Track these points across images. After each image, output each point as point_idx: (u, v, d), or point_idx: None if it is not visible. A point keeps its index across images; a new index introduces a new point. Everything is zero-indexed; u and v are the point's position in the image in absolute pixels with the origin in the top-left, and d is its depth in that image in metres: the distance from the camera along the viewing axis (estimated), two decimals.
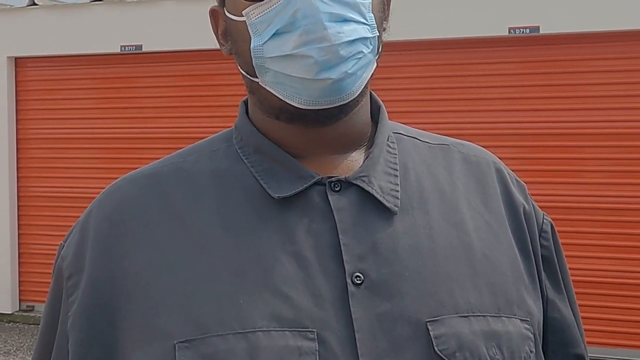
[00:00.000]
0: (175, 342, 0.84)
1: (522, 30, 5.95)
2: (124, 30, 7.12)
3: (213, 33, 1.00)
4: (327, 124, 0.92)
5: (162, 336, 0.85)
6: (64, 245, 0.97)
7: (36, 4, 7.37)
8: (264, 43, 0.88)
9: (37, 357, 0.98)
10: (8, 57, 7.54)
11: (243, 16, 0.90)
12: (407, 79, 6.27)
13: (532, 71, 6.10)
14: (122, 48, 7.15)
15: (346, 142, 0.96)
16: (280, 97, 0.89)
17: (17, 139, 7.65)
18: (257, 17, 0.88)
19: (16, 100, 7.65)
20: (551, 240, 1.04)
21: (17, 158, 7.66)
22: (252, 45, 0.89)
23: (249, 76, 0.93)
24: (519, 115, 6.10)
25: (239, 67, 0.95)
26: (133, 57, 7.25)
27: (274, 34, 0.87)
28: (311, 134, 0.93)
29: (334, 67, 0.87)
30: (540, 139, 6.06)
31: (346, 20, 0.87)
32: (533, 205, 1.05)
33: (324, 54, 0.86)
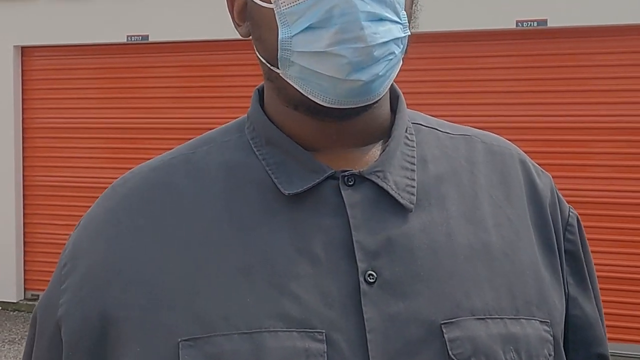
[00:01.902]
0: (179, 340, 0.81)
1: (530, 23, 5.93)
2: (131, 20, 7.11)
3: (228, 11, 0.95)
4: (347, 120, 0.88)
5: (164, 332, 0.82)
6: (70, 238, 0.95)
7: None
8: (293, 36, 0.83)
9: (31, 349, 0.96)
10: (14, 46, 7.55)
11: (271, 3, 0.85)
12: (413, 72, 6.25)
13: (539, 64, 6.08)
14: (129, 38, 7.15)
15: (364, 136, 0.91)
16: (302, 92, 0.85)
17: (22, 129, 7.66)
18: (287, 6, 0.83)
19: (22, 90, 7.65)
20: (577, 234, 1.00)
21: (23, 147, 7.67)
22: (280, 37, 0.84)
23: (268, 65, 0.89)
24: (525, 108, 6.08)
25: (257, 53, 0.91)
26: (139, 47, 7.24)
27: (305, 28, 0.83)
28: (329, 127, 0.89)
29: (366, 68, 0.83)
30: (547, 132, 6.05)
31: (382, 19, 0.83)
32: (559, 198, 1.00)
33: (357, 55, 0.82)
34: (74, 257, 0.91)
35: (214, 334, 0.81)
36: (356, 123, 0.90)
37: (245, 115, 0.97)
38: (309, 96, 0.85)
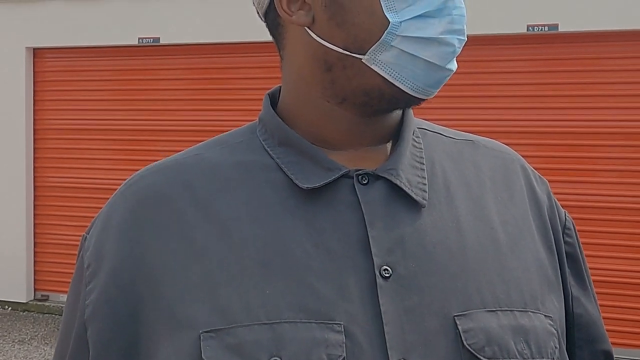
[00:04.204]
0: (201, 331, 0.83)
1: (541, 27, 5.92)
2: (142, 22, 7.14)
3: (267, 2, 0.95)
4: (380, 117, 0.94)
5: (187, 326, 0.84)
6: (86, 237, 0.95)
7: None
8: (402, 21, 0.87)
9: (58, 349, 0.97)
10: (26, 47, 7.58)
11: None
12: None
13: (550, 69, 6.07)
14: (140, 40, 7.17)
15: (378, 135, 0.95)
16: (388, 78, 0.89)
17: (34, 130, 7.69)
18: None
19: (34, 91, 7.69)
20: (574, 237, 1.04)
21: (34, 148, 7.71)
22: (392, 21, 0.87)
23: (346, 51, 0.89)
24: (537, 113, 6.07)
25: (330, 42, 0.90)
26: (151, 49, 7.27)
27: (418, 16, 0.88)
28: (361, 124, 0.94)
29: (454, 60, 0.91)
30: (558, 137, 6.03)
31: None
32: (555, 203, 1.04)
33: (459, 46, 0.90)
34: (98, 257, 0.91)
35: (235, 325, 0.83)
36: (383, 120, 0.95)
37: (256, 120, 0.99)
38: (395, 82, 0.89)
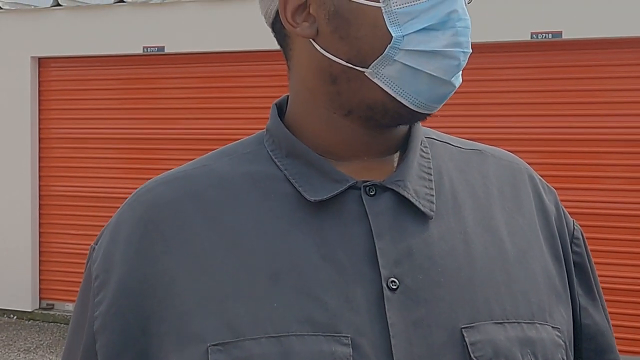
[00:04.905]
0: (208, 344, 0.82)
1: (544, 35, 5.92)
2: (147, 31, 7.15)
3: (274, 13, 0.95)
4: (387, 130, 0.93)
5: (195, 339, 0.83)
6: (94, 248, 0.95)
7: (60, 5, 7.42)
8: (405, 35, 0.86)
9: (66, 359, 0.96)
10: (32, 57, 7.61)
11: (378, 2, 0.86)
12: None
13: (554, 76, 6.07)
14: (145, 49, 7.19)
15: (385, 147, 0.94)
16: (391, 92, 0.88)
17: (39, 139, 7.71)
18: (399, 6, 0.86)
19: (39, 100, 7.71)
20: (583, 246, 1.03)
21: (39, 157, 7.72)
22: (394, 35, 0.86)
23: (350, 64, 0.89)
24: (541, 120, 6.07)
25: (330, 54, 0.90)
26: (155, 58, 7.28)
27: (422, 29, 0.86)
28: (367, 136, 0.93)
29: (459, 75, 0.89)
30: (562, 144, 6.03)
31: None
32: (564, 212, 1.03)
33: (463, 59, 0.88)
34: (105, 269, 0.91)
35: (243, 338, 0.82)
36: (386, 134, 0.93)
37: (263, 130, 0.98)
38: (397, 97, 0.88)
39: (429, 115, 0.91)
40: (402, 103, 0.88)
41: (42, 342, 6.91)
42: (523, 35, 5.98)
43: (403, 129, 0.96)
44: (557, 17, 5.88)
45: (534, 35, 5.95)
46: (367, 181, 0.90)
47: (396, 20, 0.86)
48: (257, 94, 6.80)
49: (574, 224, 1.04)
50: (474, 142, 1.05)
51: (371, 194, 0.90)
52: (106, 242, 0.93)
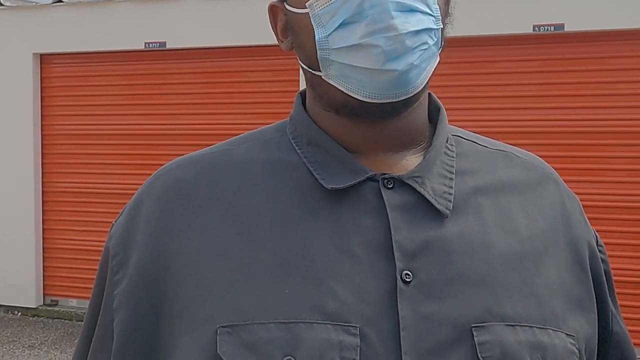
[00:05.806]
0: (217, 326, 0.84)
1: (547, 27, 5.91)
2: (148, 27, 7.15)
3: (272, 30, 0.99)
4: (387, 119, 0.92)
5: (206, 321, 0.85)
6: (114, 225, 0.97)
7: (61, 1, 7.43)
8: (328, 35, 0.87)
9: (85, 333, 0.98)
10: (34, 53, 7.61)
11: (306, 8, 0.89)
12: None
13: (556, 69, 6.06)
14: (146, 45, 7.19)
15: (402, 141, 0.95)
16: (344, 90, 0.89)
17: (42, 135, 7.72)
18: (321, 8, 0.87)
19: (41, 97, 7.72)
20: (606, 254, 1.03)
21: (42, 154, 7.73)
22: (317, 38, 0.88)
23: (310, 70, 0.92)
24: (543, 113, 6.06)
25: (300, 61, 0.95)
26: (157, 54, 7.28)
27: (339, 25, 0.87)
28: (369, 130, 0.93)
29: (400, 57, 0.86)
30: (565, 136, 6.03)
31: (412, 10, 0.87)
32: (585, 220, 1.03)
33: (390, 43, 0.85)
34: (125, 247, 0.93)
35: (252, 322, 0.83)
36: (394, 125, 0.93)
37: (287, 118, 1.00)
38: (350, 93, 0.89)
39: (399, 102, 0.89)
40: (357, 98, 0.89)
41: (46, 339, 6.93)
42: (525, 28, 5.97)
43: (417, 123, 0.95)
44: (559, 10, 5.87)
45: (536, 28, 5.94)
46: (386, 174, 0.91)
47: (320, 22, 0.88)
48: (259, 89, 6.80)
49: (594, 231, 1.04)
50: (501, 142, 1.05)
51: (389, 187, 0.90)
52: (125, 222, 0.95)
